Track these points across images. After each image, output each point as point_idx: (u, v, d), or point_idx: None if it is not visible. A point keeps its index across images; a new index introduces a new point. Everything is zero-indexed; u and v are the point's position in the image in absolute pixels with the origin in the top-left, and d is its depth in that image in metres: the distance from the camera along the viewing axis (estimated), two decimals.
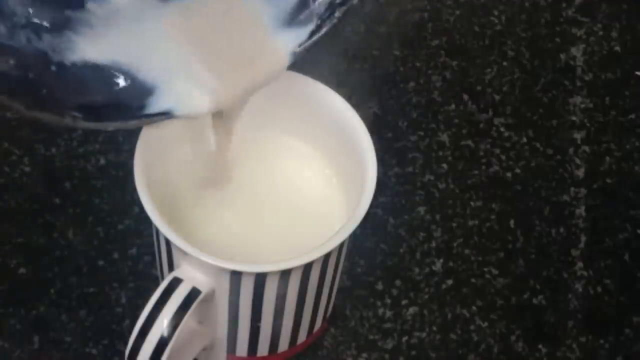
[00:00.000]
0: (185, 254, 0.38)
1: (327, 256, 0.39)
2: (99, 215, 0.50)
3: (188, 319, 0.38)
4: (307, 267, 0.39)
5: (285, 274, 0.39)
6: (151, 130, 0.41)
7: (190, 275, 0.39)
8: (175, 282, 0.38)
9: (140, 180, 0.39)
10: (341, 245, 0.40)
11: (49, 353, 0.46)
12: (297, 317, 0.42)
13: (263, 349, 0.43)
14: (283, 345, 0.43)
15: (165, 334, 0.38)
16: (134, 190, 0.39)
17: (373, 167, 0.40)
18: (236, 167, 0.44)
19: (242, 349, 0.43)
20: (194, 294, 0.38)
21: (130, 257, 0.49)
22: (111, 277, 0.49)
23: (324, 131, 0.43)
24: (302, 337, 0.44)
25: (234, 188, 0.44)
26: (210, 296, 0.39)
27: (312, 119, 0.43)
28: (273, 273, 0.39)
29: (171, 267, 0.41)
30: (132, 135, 0.53)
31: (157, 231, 0.40)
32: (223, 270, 0.38)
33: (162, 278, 0.43)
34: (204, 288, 0.38)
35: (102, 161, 0.52)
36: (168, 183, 0.42)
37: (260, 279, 0.39)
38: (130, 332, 0.39)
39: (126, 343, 0.45)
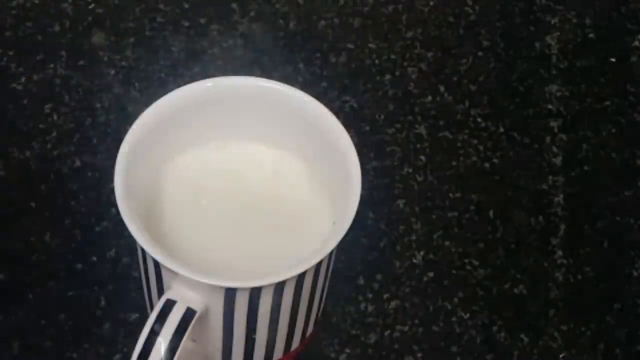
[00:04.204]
0: (176, 274, 0.37)
1: (318, 264, 0.39)
2: (75, 217, 0.50)
3: (185, 341, 0.37)
4: (300, 277, 0.39)
5: (279, 286, 0.39)
6: (129, 148, 0.40)
7: (183, 295, 0.38)
8: (169, 304, 0.37)
9: (124, 203, 0.38)
10: (331, 252, 0.40)
11: (29, 359, 0.46)
12: (291, 326, 0.42)
13: (258, 359, 0.43)
14: (277, 354, 0.43)
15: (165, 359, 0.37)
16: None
17: (357, 177, 0.40)
18: (219, 179, 0.43)
19: None
20: (189, 314, 0.37)
21: (108, 259, 0.49)
22: (90, 280, 0.48)
23: (308, 140, 0.43)
24: (295, 343, 0.43)
25: (215, 199, 0.43)
26: (205, 314, 0.39)
27: (296, 129, 0.43)
28: (268, 286, 0.38)
29: (160, 286, 0.40)
30: (107, 137, 0.53)
31: (144, 252, 0.39)
32: (217, 287, 0.38)
33: (149, 297, 0.42)
34: (198, 307, 0.38)
35: (77, 163, 0.52)
36: (147, 195, 0.42)
37: (255, 293, 0.38)
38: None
39: (106, 346, 0.45)
